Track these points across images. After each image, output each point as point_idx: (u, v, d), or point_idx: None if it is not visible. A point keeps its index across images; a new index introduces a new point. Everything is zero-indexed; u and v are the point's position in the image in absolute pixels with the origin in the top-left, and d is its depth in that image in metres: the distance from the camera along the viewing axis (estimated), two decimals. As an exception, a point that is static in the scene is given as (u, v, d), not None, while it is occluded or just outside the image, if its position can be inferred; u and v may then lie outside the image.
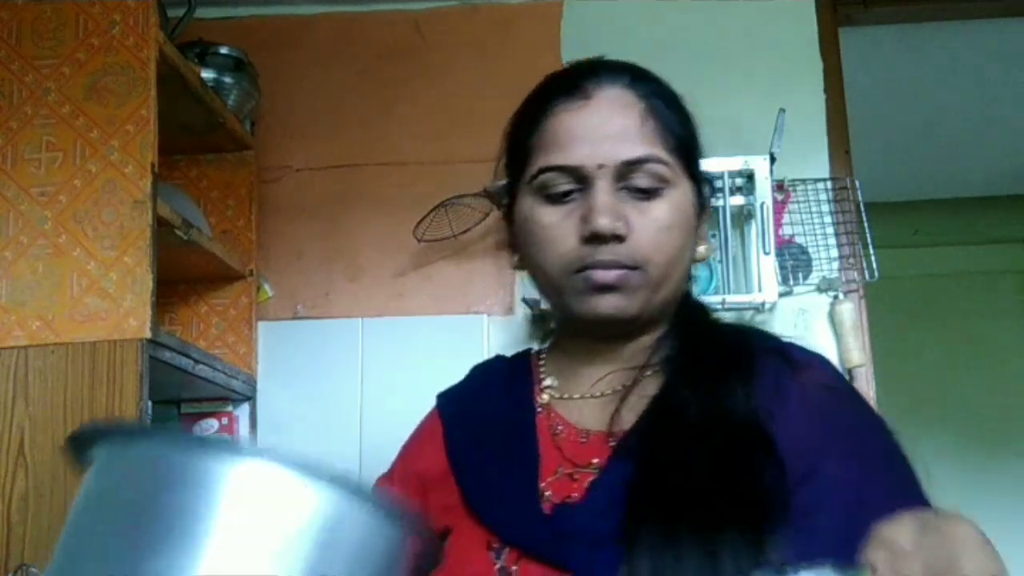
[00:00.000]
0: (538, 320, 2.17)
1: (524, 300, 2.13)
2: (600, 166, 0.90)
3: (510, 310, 2.21)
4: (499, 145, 1.03)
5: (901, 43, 2.79)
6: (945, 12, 2.51)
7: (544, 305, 2.06)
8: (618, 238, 0.89)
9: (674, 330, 0.97)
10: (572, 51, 2.29)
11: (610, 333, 0.95)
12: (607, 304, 0.91)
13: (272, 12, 2.36)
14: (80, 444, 0.64)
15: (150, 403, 1.63)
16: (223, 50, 2.09)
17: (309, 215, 2.29)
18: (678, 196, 0.93)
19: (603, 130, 0.92)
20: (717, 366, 0.91)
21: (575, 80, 0.96)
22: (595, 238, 0.89)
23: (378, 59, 2.34)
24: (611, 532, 0.81)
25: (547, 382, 1.00)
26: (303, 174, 2.31)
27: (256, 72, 2.18)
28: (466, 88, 2.31)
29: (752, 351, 0.92)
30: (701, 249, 0.98)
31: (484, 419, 1.02)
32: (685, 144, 0.94)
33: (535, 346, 1.11)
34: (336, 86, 2.33)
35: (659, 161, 0.91)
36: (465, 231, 2.17)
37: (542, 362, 1.04)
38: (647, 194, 0.91)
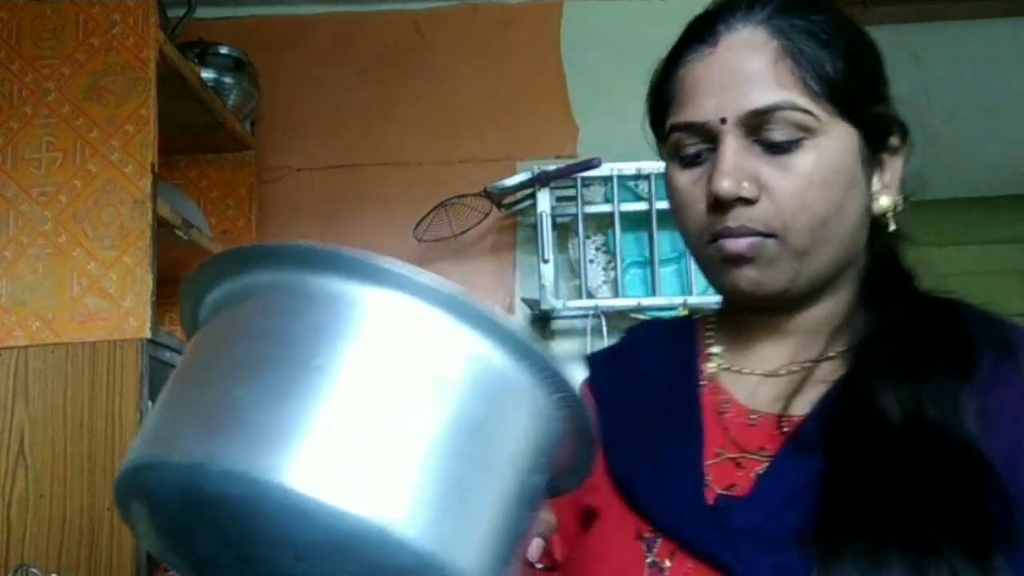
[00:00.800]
0: (538, 320, 2.17)
1: (524, 300, 2.13)
2: (724, 119, 0.78)
3: (510, 310, 2.21)
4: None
5: (901, 43, 2.79)
6: (945, 12, 2.51)
7: (544, 305, 2.06)
8: (746, 201, 0.77)
9: (865, 299, 0.83)
10: (572, 51, 2.29)
11: (766, 307, 0.83)
12: (744, 278, 0.79)
13: (272, 12, 2.36)
14: (196, 291, 0.57)
15: (150, 403, 1.62)
16: (223, 50, 2.09)
17: (309, 215, 2.29)
18: (829, 144, 0.78)
19: (727, 78, 0.79)
20: (921, 354, 0.77)
21: (708, 22, 0.82)
22: (719, 204, 0.78)
23: (378, 59, 2.34)
24: (789, 534, 0.72)
25: (713, 349, 0.89)
26: (303, 174, 2.32)
27: (256, 72, 2.18)
28: (466, 88, 2.31)
29: (964, 335, 0.78)
30: (883, 201, 0.81)
31: (641, 386, 0.89)
32: (840, 83, 0.78)
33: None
34: (336, 86, 2.33)
35: (795, 108, 0.77)
36: (465, 231, 2.17)
37: (710, 328, 0.91)
38: (786, 148, 0.77)
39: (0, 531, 1.56)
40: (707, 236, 0.80)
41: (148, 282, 1.64)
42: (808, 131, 0.77)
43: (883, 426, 0.74)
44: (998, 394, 0.74)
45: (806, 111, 0.77)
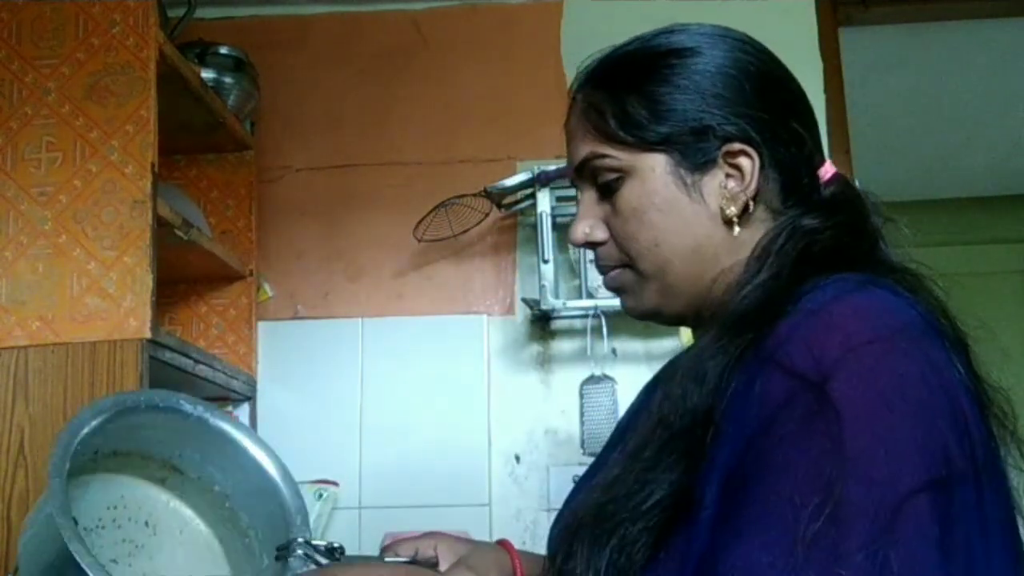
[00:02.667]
0: (538, 320, 2.17)
1: (524, 300, 2.13)
2: (571, 180, 0.91)
3: (510, 310, 2.21)
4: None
5: (901, 43, 2.79)
6: (945, 12, 2.51)
7: (544, 305, 2.05)
8: (598, 243, 0.89)
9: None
10: (572, 51, 2.29)
11: (676, 325, 0.92)
12: (625, 305, 0.90)
13: (272, 12, 2.36)
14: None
15: (150, 403, 1.62)
16: (223, 50, 2.09)
17: (309, 215, 2.29)
18: (642, 176, 0.85)
19: (567, 140, 0.92)
20: (686, 368, 0.78)
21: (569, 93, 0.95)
22: (584, 247, 0.90)
23: (378, 59, 2.34)
24: None
25: None
26: (303, 174, 2.31)
27: (256, 72, 2.18)
28: (466, 88, 2.31)
29: (743, 340, 0.74)
30: (731, 209, 0.83)
31: None
32: (632, 121, 0.85)
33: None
34: (336, 86, 2.33)
35: (597, 156, 0.86)
36: (465, 231, 2.17)
37: None
38: (613, 189, 0.86)
39: (0, 531, 1.56)
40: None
41: (148, 282, 1.64)
42: (620, 171, 0.85)
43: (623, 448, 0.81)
44: (729, 415, 0.71)
45: (606, 156, 0.86)
